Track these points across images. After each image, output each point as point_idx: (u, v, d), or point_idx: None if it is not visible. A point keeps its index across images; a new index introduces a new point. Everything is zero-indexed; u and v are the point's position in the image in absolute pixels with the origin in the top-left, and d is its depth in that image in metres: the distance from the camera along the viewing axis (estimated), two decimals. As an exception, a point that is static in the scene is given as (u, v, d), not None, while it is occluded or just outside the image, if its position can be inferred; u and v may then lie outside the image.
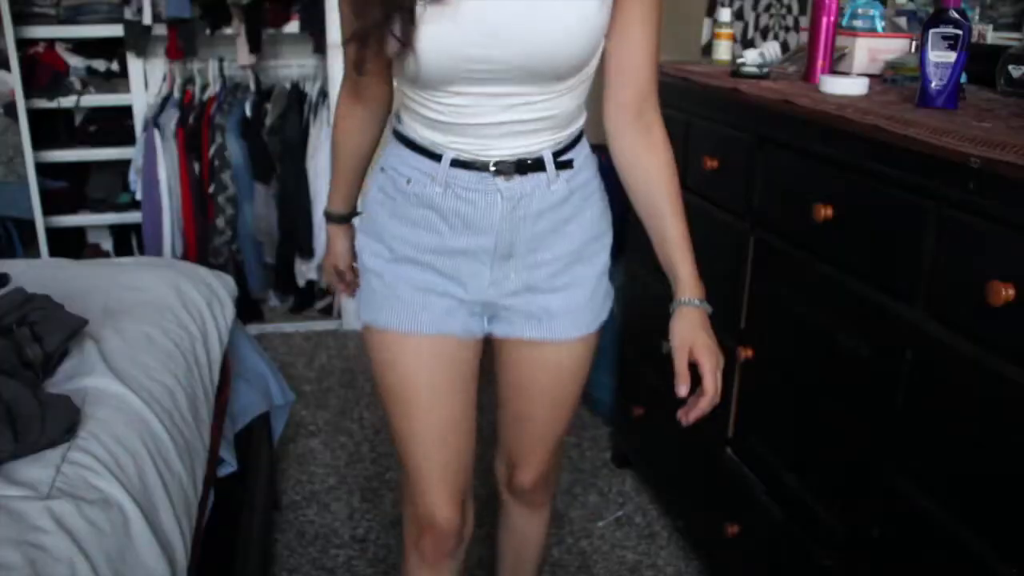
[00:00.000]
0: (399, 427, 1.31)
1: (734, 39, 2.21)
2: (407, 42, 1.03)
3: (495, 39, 1.04)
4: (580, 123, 1.22)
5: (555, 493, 1.60)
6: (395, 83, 1.25)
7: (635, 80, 1.16)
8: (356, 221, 1.41)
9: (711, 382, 1.12)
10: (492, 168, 1.15)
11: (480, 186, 1.17)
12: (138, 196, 3.27)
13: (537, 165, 1.17)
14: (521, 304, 1.26)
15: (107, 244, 3.71)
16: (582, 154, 1.23)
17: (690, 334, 1.14)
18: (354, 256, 1.41)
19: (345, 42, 1.13)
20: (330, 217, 1.45)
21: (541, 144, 1.17)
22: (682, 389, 1.11)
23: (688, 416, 1.14)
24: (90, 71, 3.41)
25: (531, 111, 1.12)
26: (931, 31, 1.32)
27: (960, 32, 1.30)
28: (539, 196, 1.18)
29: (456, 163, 1.16)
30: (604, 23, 1.10)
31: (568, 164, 1.20)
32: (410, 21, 1.02)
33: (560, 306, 1.26)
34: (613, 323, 2.46)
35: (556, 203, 1.20)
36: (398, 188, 1.22)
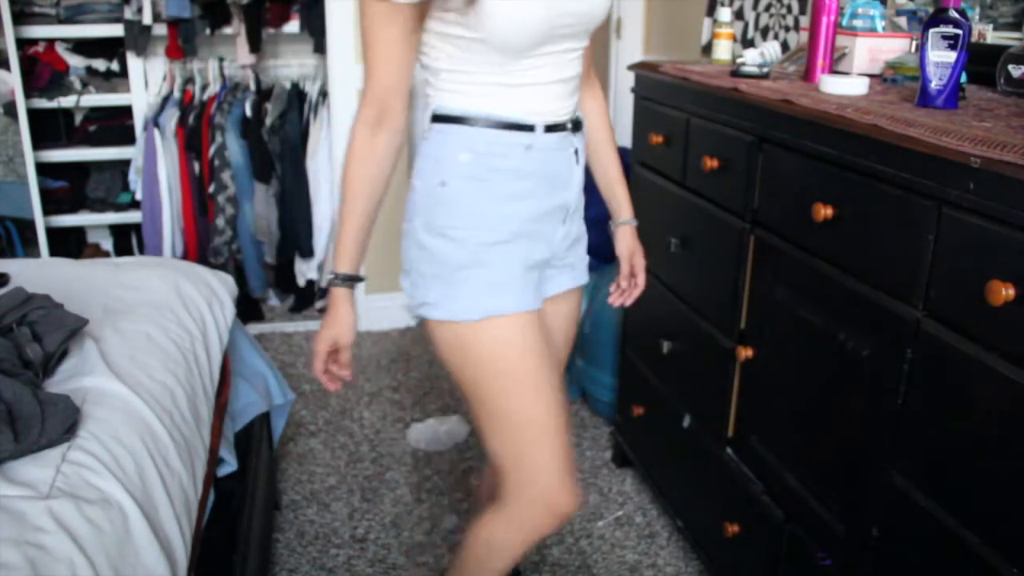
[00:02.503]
0: (522, 410, 1.29)
1: (734, 39, 2.21)
2: None
3: None
4: None
5: None
6: (456, 68, 1.22)
7: (585, 55, 1.36)
8: (420, 225, 1.27)
9: (643, 279, 1.54)
10: (569, 126, 1.30)
11: (562, 145, 1.29)
12: (138, 196, 3.27)
13: (579, 125, 1.34)
14: (568, 255, 1.40)
15: (107, 244, 3.71)
16: None
17: (632, 245, 1.53)
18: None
19: None
20: (337, 279, 1.27)
21: (575, 105, 1.32)
22: (624, 282, 1.54)
23: (624, 300, 1.55)
24: (90, 71, 3.41)
25: (576, 66, 1.28)
26: (931, 31, 1.32)
27: (960, 32, 1.30)
28: (581, 152, 1.35)
29: (547, 128, 1.26)
30: None
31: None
32: None
33: (580, 254, 1.44)
34: (613, 323, 2.47)
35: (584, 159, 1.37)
36: (492, 168, 1.24)
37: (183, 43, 3.19)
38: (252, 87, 3.31)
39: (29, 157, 3.15)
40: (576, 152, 1.32)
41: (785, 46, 2.30)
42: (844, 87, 1.50)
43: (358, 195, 1.24)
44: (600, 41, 4.03)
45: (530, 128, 1.24)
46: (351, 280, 1.28)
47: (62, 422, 1.17)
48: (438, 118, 1.25)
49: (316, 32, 3.25)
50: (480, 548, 1.40)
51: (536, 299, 1.31)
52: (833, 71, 1.69)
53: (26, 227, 3.30)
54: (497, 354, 1.27)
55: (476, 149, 1.23)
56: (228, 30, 3.26)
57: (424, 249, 1.27)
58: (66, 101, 3.28)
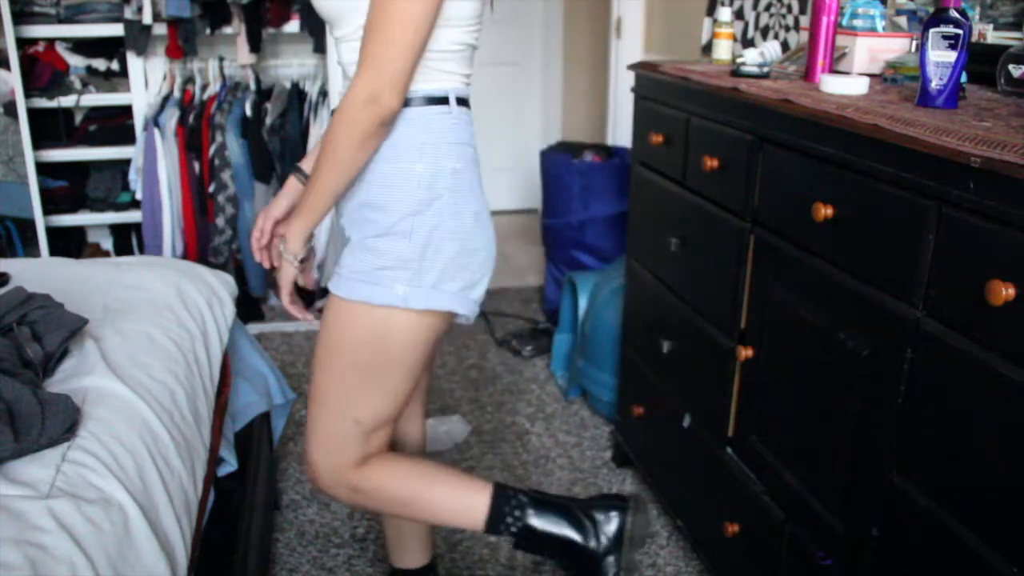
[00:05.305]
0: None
1: (734, 39, 2.21)
2: None
3: None
4: None
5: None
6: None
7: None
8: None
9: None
10: None
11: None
12: (138, 195, 3.27)
13: None
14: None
15: (107, 243, 3.71)
16: None
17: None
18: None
19: None
20: (298, 172, 1.50)
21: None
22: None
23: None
24: (90, 70, 3.41)
25: (345, 55, 1.32)
26: (931, 30, 1.32)
27: (960, 31, 1.30)
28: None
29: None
30: None
31: None
32: None
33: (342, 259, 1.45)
34: (613, 323, 2.46)
35: None
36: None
37: (183, 43, 3.19)
38: (252, 87, 3.31)
39: (29, 157, 3.15)
40: None
41: (785, 46, 2.30)
42: (844, 87, 1.50)
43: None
44: (600, 40, 4.03)
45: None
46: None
47: (62, 422, 1.17)
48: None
49: (316, 32, 3.25)
50: None
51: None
52: (833, 71, 1.69)
53: (26, 227, 3.30)
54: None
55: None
56: (228, 30, 3.26)
57: None
58: (66, 101, 3.28)
